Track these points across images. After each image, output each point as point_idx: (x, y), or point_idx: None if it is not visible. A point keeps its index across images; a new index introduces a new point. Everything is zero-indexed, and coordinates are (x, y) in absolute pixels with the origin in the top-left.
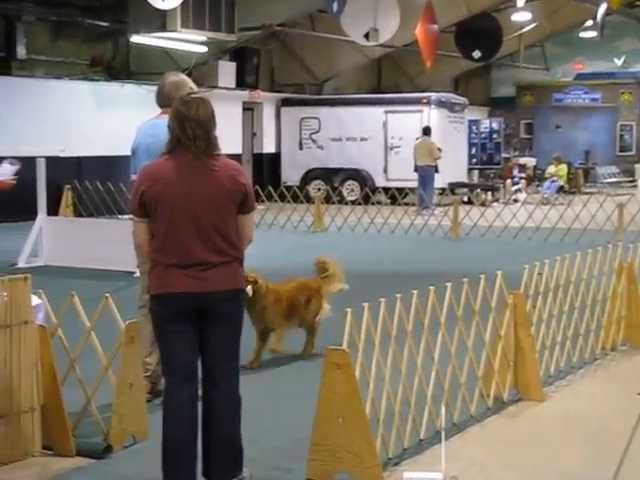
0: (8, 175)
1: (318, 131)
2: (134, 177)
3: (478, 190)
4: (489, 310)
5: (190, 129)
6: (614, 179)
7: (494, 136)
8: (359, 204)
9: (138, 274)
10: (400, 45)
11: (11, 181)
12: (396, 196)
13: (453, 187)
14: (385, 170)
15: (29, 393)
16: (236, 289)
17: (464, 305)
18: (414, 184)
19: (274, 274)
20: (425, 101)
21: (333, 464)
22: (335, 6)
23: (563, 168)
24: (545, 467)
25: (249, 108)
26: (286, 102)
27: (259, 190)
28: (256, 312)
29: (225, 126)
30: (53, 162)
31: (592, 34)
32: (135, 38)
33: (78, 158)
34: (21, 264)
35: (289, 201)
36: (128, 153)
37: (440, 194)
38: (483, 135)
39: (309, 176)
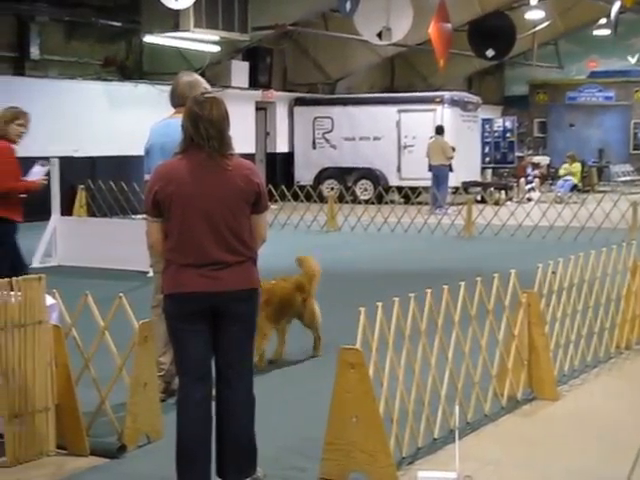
0: (39, 176)
1: (331, 130)
2: (148, 177)
3: (491, 189)
4: (503, 309)
5: (204, 129)
6: (628, 177)
7: (507, 135)
8: (372, 203)
9: (151, 274)
10: (413, 44)
11: (42, 181)
12: (409, 195)
13: (466, 186)
14: (398, 169)
15: (43, 393)
16: (250, 289)
17: (478, 304)
18: (427, 183)
19: (289, 273)
20: (438, 100)
21: (347, 463)
22: (348, 5)
23: (577, 166)
24: (559, 466)
25: (262, 108)
26: (299, 101)
27: (272, 190)
28: None
29: (238, 126)
30: (67, 162)
31: (606, 32)
32: (148, 38)
33: (92, 158)
34: (35, 264)
35: (302, 200)
36: (141, 153)
37: (453, 193)
38: (496, 134)
39: (322, 175)
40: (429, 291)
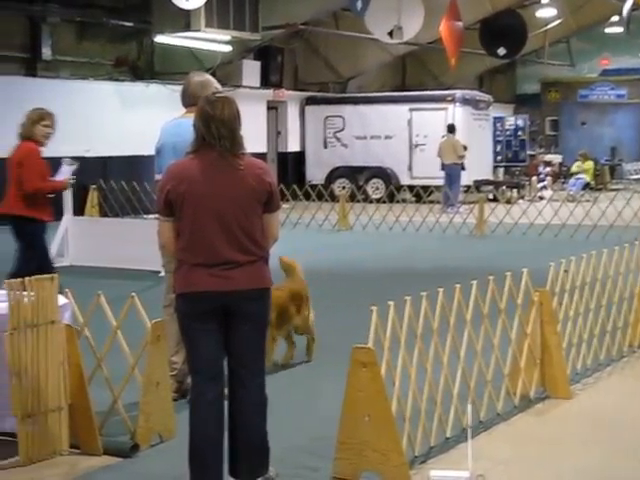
0: (67, 175)
1: (342, 129)
2: (158, 177)
3: (503, 187)
4: (515, 308)
5: (215, 128)
6: None
7: (519, 133)
8: (384, 202)
9: (163, 273)
10: (424, 43)
11: (69, 181)
12: (421, 194)
13: (478, 185)
14: (410, 168)
15: (56, 392)
16: (261, 288)
17: (490, 303)
18: (439, 182)
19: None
20: (450, 99)
21: (359, 462)
22: (359, 4)
23: (589, 164)
24: (572, 465)
25: (273, 107)
26: (310, 101)
27: (284, 189)
28: None
29: (250, 125)
30: (78, 162)
31: (618, 30)
32: (159, 38)
33: (103, 158)
34: None
35: (314, 200)
36: (153, 153)
37: (465, 192)
38: (508, 132)
39: (334, 174)
40: (441, 290)
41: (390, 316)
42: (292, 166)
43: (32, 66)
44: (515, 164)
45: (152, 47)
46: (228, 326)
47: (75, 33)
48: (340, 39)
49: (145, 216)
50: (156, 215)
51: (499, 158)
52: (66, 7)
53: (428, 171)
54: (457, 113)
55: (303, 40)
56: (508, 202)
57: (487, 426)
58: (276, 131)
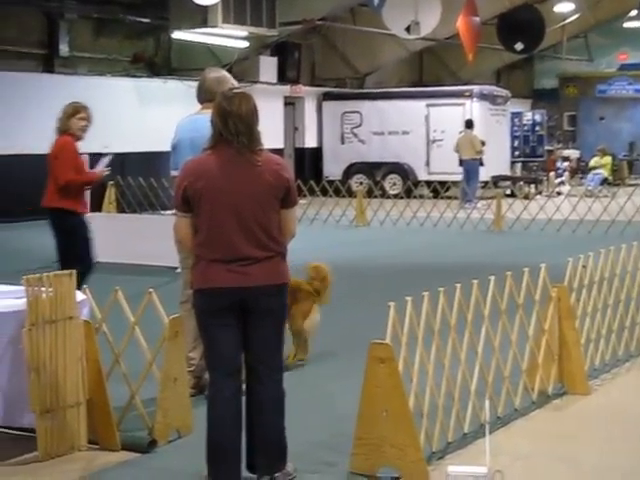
0: (101, 167)
1: (360, 125)
2: (174, 173)
3: (521, 183)
4: (533, 303)
5: (233, 124)
6: None
7: (537, 128)
8: (401, 198)
9: (180, 270)
10: (442, 38)
11: (103, 173)
12: (438, 190)
13: (496, 180)
14: (427, 163)
15: (74, 388)
16: (279, 284)
17: (508, 298)
18: (456, 177)
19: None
20: (467, 94)
21: (377, 458)
22: (376, 0)
23: (607, 160)
24: (590, 461)
25: (291, 103)
26: (327, 96)
27: (301, 185)
28: None
29: (267, 121)
30: (96, 159)
31: (636, 24)
32: (177, 34)
33: (121, 154)
34: None
35: (331, 195)
36: (169, 149)
37: (483, 187)
38: (526, 127)
39: (351, 170)
40: (458, 286)
41: (408, 312)
42: (309, 162)
43: (50, 62)
44: (533, 159)
45: (169, 43)
46: (246, 322)
47: (92, 29)
48: (357, 35)
49: (162, 212)
50: (173, 211)
51: (517, 153)
52: (83, 3)
53: (445, 167)
54: (474, 108)
55: (320, 36)
56: (526, 197)
57: (505, 422)
58: (293, 127)
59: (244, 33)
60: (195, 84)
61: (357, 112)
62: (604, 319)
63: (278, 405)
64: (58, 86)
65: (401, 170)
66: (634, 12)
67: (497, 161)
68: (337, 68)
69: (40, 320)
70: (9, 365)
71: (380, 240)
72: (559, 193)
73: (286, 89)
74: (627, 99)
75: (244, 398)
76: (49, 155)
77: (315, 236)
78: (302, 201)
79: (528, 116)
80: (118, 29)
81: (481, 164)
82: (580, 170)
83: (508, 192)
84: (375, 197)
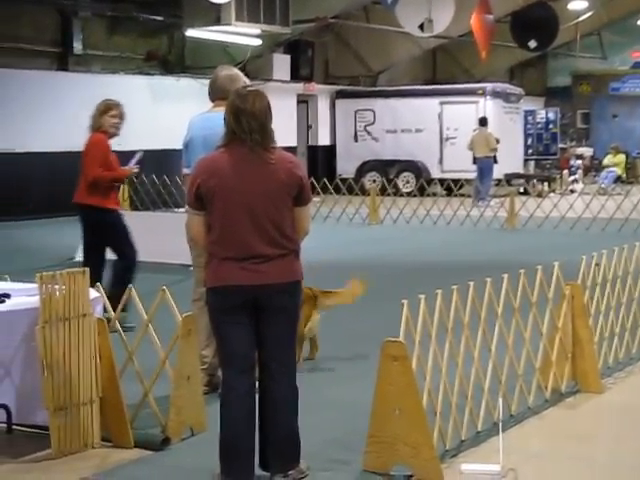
0: (133, 164)
1: (373, 123)
2: (186, 171)
3: (534, 181)
4: (546, 301)
5: (246, 122)
6: None
7: (550, 126)
8: (414, 196)
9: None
10: (455, 36)
11: (132, 170)
12: (452, 187)
13: (509, 178)
14: (440, 161)
15: (88, 385)
16: (292, 281)
17: (521, 296)
18: (470, 175)
19: (331, 267)
20: (480, 92)
21: (390, 456)
22: None
23: (621, 157)
24: (604, 459)
25: (304, 100)
26: (341, 94)
27: (314, 182)
28: None
29: (280, 119)
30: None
31: None
32: (190, 32)
33: (126, 152)
34: (78, 258)
35: (344, 193)
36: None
37: (496, 185)
38: (539, 125)
39: (364, 168)
40: (472, 284)
41: (421, 310)
42: (322, 160)
43: (64, 60)
44: (546, 157)
45: (183, 41)
46: (259, 320)
47: (106, 27)
48: (371, 32)
49: (176, 210)
50: (185, 208)
51: (530, 151)
52: (97, 1)
53: (459, 164)
54: (488, 106)
55: (334, 33)
56: (539, 195)
57: (518, 420)
58: (307, 125)
59: (257, 31)
60: (208, 82)
61: (370, 110)
62: (617, 317)
63: (291, 403)
64: (72, 84)
65: (414, 168)
66: None
67: (510, 159)
68: (350, 66)
69: (53, 318)
70: (22, 363)
71: (393, 238)
72: (572, 191)
73: (299, 87)
74: None
75: (257, 396)
76: (82, 152)
77: (328, 234)
78: (315, 199)
79: (541, 114)
80: (132, 27)
81: (495, 162)
82: (593, 168)
83: (521, 190)
84: (388, 195)
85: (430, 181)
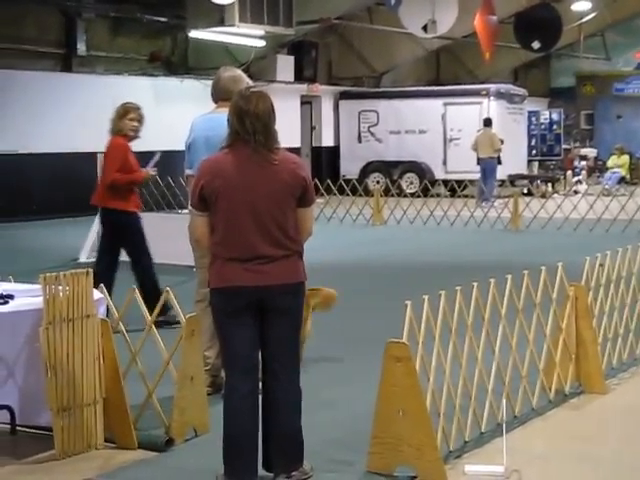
0: (152, 166)
1: (377, 124)
2: (189, 172)
3: (538, 182)
4: (550, 302)
5: (250, 123)
6: None
7: (554, 127)
8: (418, 197)
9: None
10: (459, 37)
11: (150, 173)
12: (455, 188)
13: (513, 179)
14: (444, 162)
15: (91, 386)
16: (296, 283)
17: (524, 297)
18: (473, 176)
19: (334, 267)
20: (484, 93)
21: (394, 457)
22: None
23: (625, 158)
24: (608, 460)
25: (307, 102)
26: (344, 95)
27: (318, 183)
28: None
29: (284, 120)
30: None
31: None
32: (194, 33)
33: (139, 153)
34: (82, 259)
35: (348, 194)
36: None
37: (500, 186)
38: (543, 126)
39: (368, 169)
40: (475, 284)
41: (424, 310)
42: (326, 161)
43: (67, 62)
44: (550, 158)
45: (186, 42)
46: (262, 321)
47: (110, 29)
48: (374, 33)
49: (180, 211)
50: (189, 209)
51: (534, 152)
52: (101, 3)
53: (462, 165)
54: (492, 107)
55: (337, 35)
56: (543, 196)
57: (522, 421)
58: (310, 126)
59: (261, 32)
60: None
61: (374, 111)
62: (621, 318)
63: (294, 404)
64: (75, 85)
65: (418, 169)
66: None
67: (514, 160)
68: (354, 67)
69: (57, 318)
70: (26, 363)
71: (397, 239)
72: (576, 192)
73: (303, 88)
74: None
75: (260, 397)
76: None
77: (332, 235)
78: (319, 200)
79: (545, 115)
80: (135, 28)
81: (499, 162)
82: (597, 169)
83: (525, 191)
84: (392, 196)
85: (434, 182)
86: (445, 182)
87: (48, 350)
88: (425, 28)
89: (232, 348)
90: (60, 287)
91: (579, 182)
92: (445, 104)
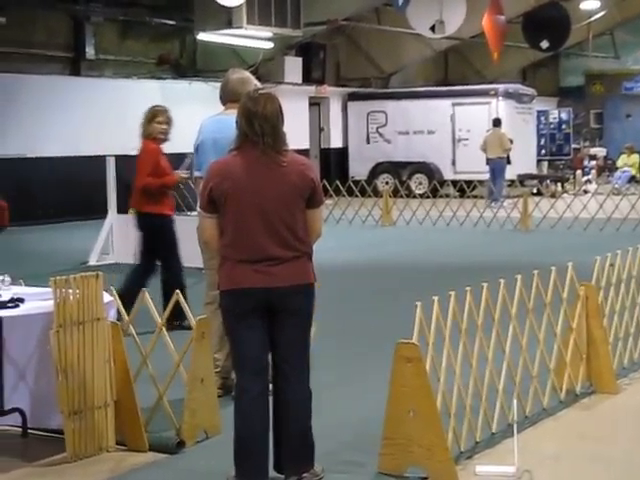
0: (184, 169)
1: (385, 125)
2: (197, 174)
3: (548, 181)
4: (560, 302)
5: (258, 125)
6: None
7: (563, 127)
8: (427, 197)
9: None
10: (467, 37)
11: (181, 176)
12: (465, 189)
13: (522, 179)
14: (453, 163)
15: (102, 389)
16: (305, 284)
17: (535, 297)
18: (482, 176)
19: (344, 269)
20: (493, 93)
21: (405, 458)
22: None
23: (635, 158)
24: (620, 460)
25: (316, 103)
26: (353, 96)
27: (327, 185)
28: None
29: (292, 121)
30: (122, 160)
31: None
32: (202, 36)
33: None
34: (92, 261)
35: (357, 195)
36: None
37: (509, 186)
38: (552, 126)
39: (377, 170)
40: (485, 285)
41: (434, 311)
42: (335, 162)
43: (76, 65)
44: (559, 157)
45: (194, 45)
46: (272, 322)
47: (118, 32)
48: (382, 34)
49: (188, 213)
50: (197, 211)
51: (543, 152)
52: (109, 6)
53: (471, 166)
54: (500, 107)
55: (345, 36)
56: (552, 196)
57: (533, 421)
58: (319, 127)
59: (269, 34)
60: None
61: (382, 112)
62: (632, 318)
63: (305, 404)
64: (84, 89)
65: (427, 169)
66: None
67: (523, 160)
68: (362, 68)
69: (67, 322)
70: (37, 367)
71: (406, 240)
72: (586, 191)
73: (311, 89)
74: None
75: (271, 398)
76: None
77: (341, 236)
78: (328, 201)
79: (554, 114)
80: (143, 31)
81: (508, 162)
82: (607, 168)
83: (535, 191)
84: (401, 197)
85: (443, 182)
86: (454, 182)
87: (59, 353)
88: (433, 28)
89: (242, 350)
90: (70, 290)
91: (589, 181)
92: (454, 104)
